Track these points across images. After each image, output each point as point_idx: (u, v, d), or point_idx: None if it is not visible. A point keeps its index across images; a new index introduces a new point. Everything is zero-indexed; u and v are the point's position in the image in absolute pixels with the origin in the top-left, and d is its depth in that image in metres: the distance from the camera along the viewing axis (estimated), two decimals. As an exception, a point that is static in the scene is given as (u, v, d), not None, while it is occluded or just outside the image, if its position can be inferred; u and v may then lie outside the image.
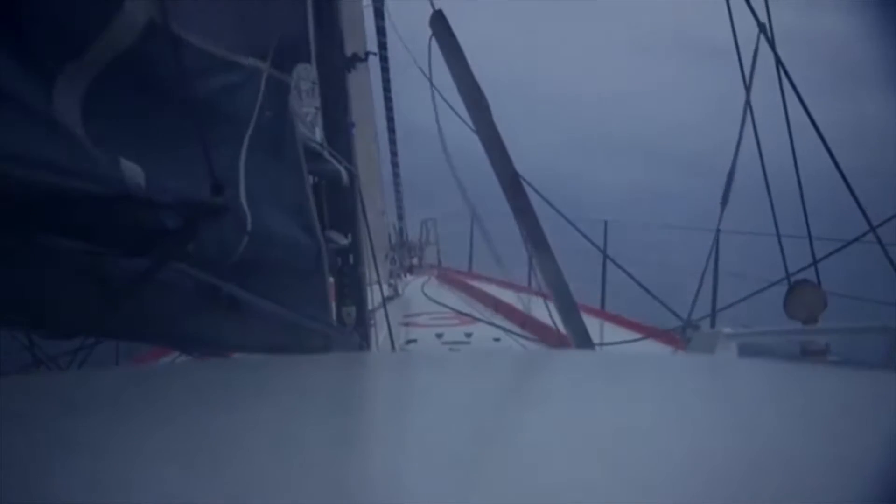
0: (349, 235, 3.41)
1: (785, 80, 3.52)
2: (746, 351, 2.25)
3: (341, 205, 3.36)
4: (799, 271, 3.67)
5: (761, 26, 3.49)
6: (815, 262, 3.60)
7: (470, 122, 3.35)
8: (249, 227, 1.80)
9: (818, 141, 3.45)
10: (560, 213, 4.25)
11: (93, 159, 1.21)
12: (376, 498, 0.48)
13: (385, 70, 8.52)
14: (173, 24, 1.48)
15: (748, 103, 3.68)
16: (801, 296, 3.17)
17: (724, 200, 3.91)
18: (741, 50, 3.72)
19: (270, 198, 2.15)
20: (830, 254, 3.73)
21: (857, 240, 3.55)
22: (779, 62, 3.49)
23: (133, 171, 1.27)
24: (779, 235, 3.82)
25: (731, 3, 3.62)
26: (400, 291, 9.29)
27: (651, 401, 0.83)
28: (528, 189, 3.33)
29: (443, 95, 4.42)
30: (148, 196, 1.25)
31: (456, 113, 3.92)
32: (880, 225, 3.27)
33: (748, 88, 3.67)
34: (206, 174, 1.47)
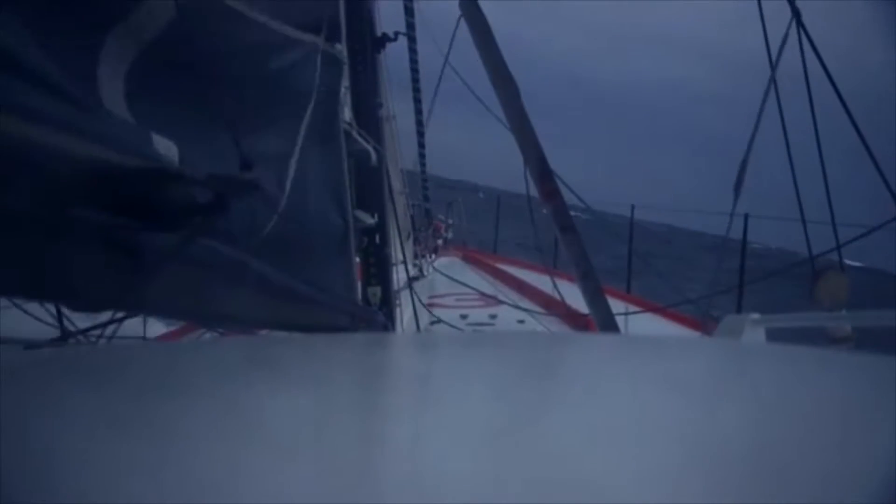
0: (375, 215, 3.41)
1: (810, 54, 3.47)
2: (773, 336, 2.24)
3: (368, 184, 3.36)
4: (822, 254, 3.64)
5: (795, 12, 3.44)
6: (839, 247, 3.57)
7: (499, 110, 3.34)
8: (283, 204, 1.80)
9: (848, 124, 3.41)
10: (581, 200, 4.22)
11: (127, 133, 1.22)
12: (402, 477, 0.48)
13: (413, 51, 8.50)
14: None
15: (773, 80, 3.63)
16: (827, 283, 3.15)
17: (738, 186, 3.86)
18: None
19: (313, 175, 2.15)
20: (854, 239, 3.69)
21: (883, 225, 3.51)
22: (803, 33, 3.44)
23: (166, 148, 1.28)
24: (804, 220, 3.79)
25: None
26: (425, 272, 9.31)
27: (679, 384, 0.83)
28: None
29: (466, 82, 4.41)
30: (179, 171, 1.25)
31: (481, 101, 3.91)
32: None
33: (773, 67, 3.62)
34: (245, 150, 1.47)
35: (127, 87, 1.31)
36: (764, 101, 3.58)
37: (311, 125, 2.08)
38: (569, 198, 3.61)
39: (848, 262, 3.70)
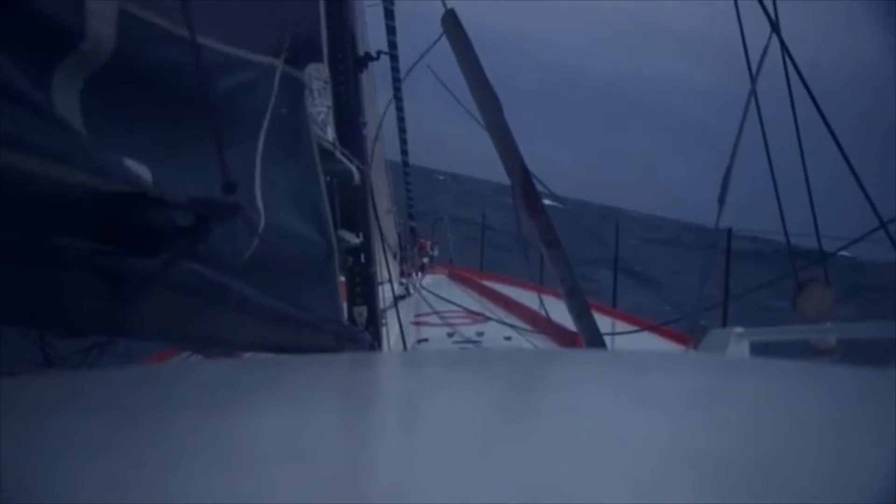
0: (360, 235, 3.42)
1: (791, 71, 3.49)
2: (758, 350, 2.25)
3: (352, 204, 3.37)
4: (806, 266, 3.65)
5: (773, 24, 3.47)
6: (823, 258, 3.59)
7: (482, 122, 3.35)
8: (262, 226, 1.80)
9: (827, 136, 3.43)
10: (551, 192, 4.22)
11: (101, 159, 1.22)
12: (388, 497, 0.48)
13: (395, 70, 8.52)
14: (172, 22, 1.48)
15: (753, 92, 3.65)
16: (810, 295, 3.16)
17: (722, 199, 3.88)
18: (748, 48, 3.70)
19: (284, 197, 2.15)
20: (839, 250, 3.71)
21: (866, 236, 3.53)
22: (785, 50, 3.47)
23: (139, 172, 1.27)
24: (786, 233, 3.81)
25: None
26: (411, 290, 9.31)
27: (665, 399, 0.83)
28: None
29: (454, 95, 4.43)
30: (160, 194, 1.25)
31: (468, 112, 3.92)
32: (891, 221, 3.25)
33: (754, 80, 3.65)
34: (216, 173, 1.47)
35: (84, 117, 1.31)
36: (744, 115, 3.60)
37: (274, 146, 2.09)
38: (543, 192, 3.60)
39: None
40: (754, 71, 3.59)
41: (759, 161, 3.78)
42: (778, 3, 3.45)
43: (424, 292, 9.40)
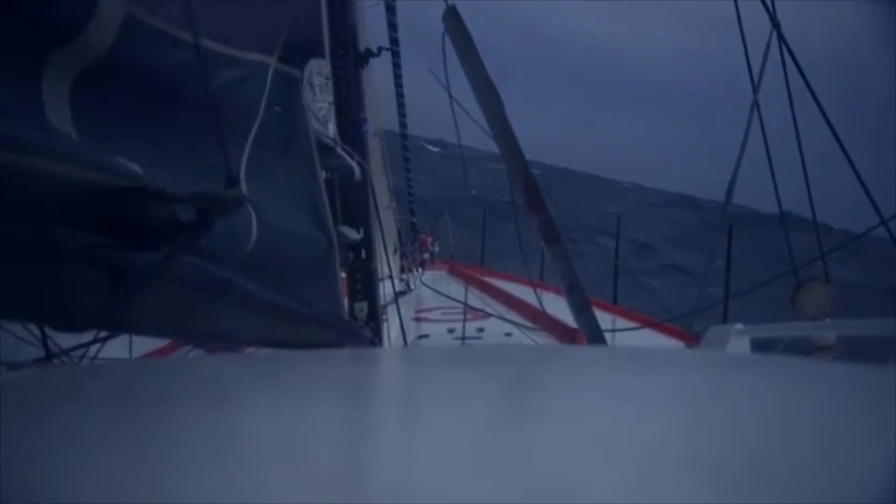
0: (361, 230, 3.41)
1: (790, 64, 3.49)
2: (759, 346, 2.25)
3: (353, 200, 3.37)
4: (805, 265, 3.65)
5: (774, 24, 3.46)
6: (822, 255, 3.58)
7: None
8: (254, 222, 1.80)
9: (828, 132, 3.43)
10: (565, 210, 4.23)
11: (99, 154, 1.21)
12: (389, 493, 0.48)
13: (397, 66, 8.51)
14: (161, 20, 1.48)
15: (755, 104, 3.65)
16: (809, 292, 3.16)
17: (728, 199, 3.88)
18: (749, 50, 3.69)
19: (281, 193, 2.15)
20: (837, 247, 3.70)
21: (866, 233, 3.53)
22: (783, 44, 3.46)
23: (126, 167, 1.28)
24: (786, 230, 3.80)
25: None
26: (411, 286, 9.30)
27: (665, 396, 0.83)
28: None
29: (450, 92, 4.42)
30: (162, 189, 1.25)
31: (467, 112, 3.92)
32: (892, 218, 3.25)
33: (756, 89, 3.65)
34: (209, 169, 1.47)
35: (73, 115, 1.31)
36: (750, 118, 3.60)
37: (268, 143, 2.09)
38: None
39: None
40: (755, 74, 3.59)
41: (759, 160, 3.78)
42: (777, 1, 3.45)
43: (425, 288, 9.39)
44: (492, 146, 3.37)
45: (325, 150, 2.71)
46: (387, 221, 7.38)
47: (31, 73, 1.25)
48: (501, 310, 7.64)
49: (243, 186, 1.87)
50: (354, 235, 3.30)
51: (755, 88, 3.59)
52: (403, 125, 9.92)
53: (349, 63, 3.59)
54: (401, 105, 9.37)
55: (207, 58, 1.76)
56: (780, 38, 3.45)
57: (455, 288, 9.51)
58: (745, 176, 3.58)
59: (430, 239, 12.96)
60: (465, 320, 6.82)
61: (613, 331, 4.45)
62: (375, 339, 3.50)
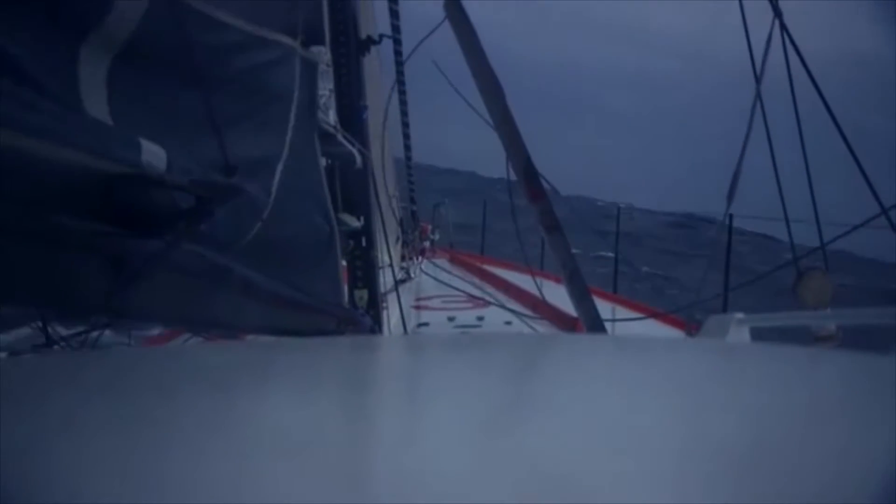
0: (361, 218, 3.41)
1: (793, 55, 3.47)
2: (758, 335, 2.25)
3: (354, 188, 3.37)
4: (806, 255, 3.64)
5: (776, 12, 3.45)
6: (823, 246, 3.58)
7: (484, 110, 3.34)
8: (268, 209, 1.80)
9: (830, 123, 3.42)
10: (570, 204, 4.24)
11: (110, 139, 1.21)
12: (391, 480, 0.48)
13: (398, 53, 8.48)
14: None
15: (758, 95, 3.64)
16: (810, 283, 3.16)
17: (731, 195, 3.88)
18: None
19: (293, 180, 2.15)
20: (838, 237, 3.69)
21: (867, 222, 3.52)
22: (786, 36, 3.45)
23: (155, 153, 1.27)
24: (787, 220, 3.80)
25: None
26: (412, 274, 9.30)
27: (665, 384, 0.83)
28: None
29: (451, 81, 4.42)
30: (161, 176, 1.25)
31: (467, 102, 3.91)
32: (893, 207, 3.24)
33: (758, 80, 3.63)
34: (232, 154, 1.47)
35: (109, 93, 1.31)
36: (753, 111, 3.59)
37: (297, 129, 2.08)
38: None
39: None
40: (758, 67, 3.58)
41: (760, 150, 3.77)
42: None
43: (425, 276, 9.39)
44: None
45: (325, 137, 2.70)
46: (388, 210, 7.37)
47: (67, 56, 1.24)
48: (501, 298, 7.64)
49: (278, 172, 1.86)
50: (355, 223, 3.30)
51: (758, 80, 3.58)
52: (404, 112, 9.89)
53: (350, 50, 3.59)
54: (402, 93, 9.34)
55: (236, 38, 1.76)
56: (783, 27, 3.44)
57: (455, 276, 9.51)
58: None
59: (430, 227, 12.94)
60: (464, 308, 6.83)
61: (613, 320, 4.45)
62: (375, 327, 3.50)
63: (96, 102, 1.28)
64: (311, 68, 2.36)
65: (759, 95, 3.57)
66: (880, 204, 3.26)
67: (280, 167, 1.92)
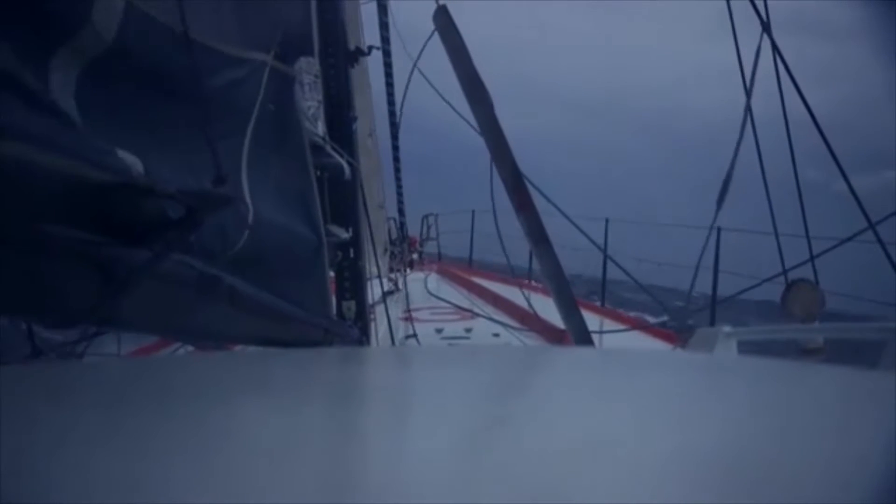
0: (350, 229, 3.41)
1: (783, 72, 3.50)
2: (745, 349, 2.26)
3: (342, 198, 3.36)
4: (795, 267, 3.67)
5: (764, 25, 3.47)
6: (812, 259, 3.60)
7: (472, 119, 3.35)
8: (251, 219, 1.80)
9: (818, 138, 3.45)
10: (561, 212, 4.25)
11: (94, 148, 1.21)
12: (376, 493, 0.48)
13: (388, 65, 8.51)
14: (169, 18, 1.48)
15: (748, 109, 3.66)
16: (799, 294, 3.18)
17: (720, 201, 3.90)
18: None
19: (274, 191, 2.15)
20: (827, 251, 3.72)
21: (854, 237, 3.55)
22: (776, 51, 3.48)
23: (132, 163, 1.27)
24: (776, 233, 3.82)
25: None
26: (400, 286, 9.30)
27: (651, 397, 0.83)
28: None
29: (438, 91, 4.44)
30: (151, 185, 1.25)
31: (456, 111, 3.92)
32: (879, 222, 3.27)
33: (749, 93, 3.66)
34: (207, 165, 1.47)
35: (78, 105, 1.31)
36: (743, 125, 3.61)
37: (263, 140, 2.09)
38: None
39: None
40: (748, 78, 3.60)
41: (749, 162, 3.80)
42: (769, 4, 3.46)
43: (413, 288, 9.39)
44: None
45: (314, 148, 2.70)
46: (376, 221, 7.37)
47: (38, 66, 1.24)
48: (489, 310, 7.65)
49: (244, 183, 1.87)
50: (343, 234, 3.29)
51: (748, 94, 3.61)
52: (394, 124, 9.91)
53: (339, 61, 3.59)
54: (391, 104, 9.36)
55: (208, 55, 1.76)
56: (770, 36, 3.46)
57: (444, 288, 9.52)
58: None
59: (419, 239, 12.95)
60: (452, 321, 6.83)
61: (601, 332, 4.46)
62: (363, 339, 3.50)
63: (67, 110, 1.28)
64: (284, 80, 2.37)
65: (748, 109, 3.59)
66: (867, 218, 3.29)
67: (244, 178, 1.92)
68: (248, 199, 1.87)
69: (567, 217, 4.41)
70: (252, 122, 2.06)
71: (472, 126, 3.43)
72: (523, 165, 3.22)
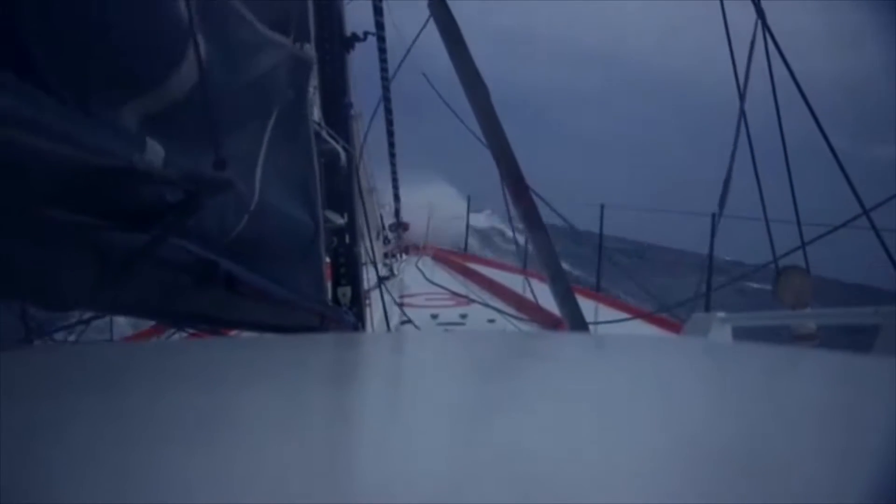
0: (345, 215, 3.41)
1: (775, 55, 3.50)
2: (740, 334, 2.26)
3: (337, 185, 3.36)
4: (786, 254, 3.67)
5: (760, 12, 3.47)
6: (803, 246, 3.61)
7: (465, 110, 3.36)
8: (254, 204, 1.79)
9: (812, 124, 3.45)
10: (553, 209, 4.25)
11: (103, 132, 1.20)
12: (370, 477, 0.48)
13: (382, 51, 8.47)
14: None
15: (742, 111, 3.67)
16: (790, 281, 3.18)
17: (722, 201, 3.92)
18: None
19: (281, 175, 2.15)
20: (819, 237, 3.72)
21: (848, 223, 3.55)
22: (766, 31, 3.47)
23: (156, 151, 1.26)
24: (766, 220, 3.83)
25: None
26: (395, 272, 9.30)
27: (646, 382, 0.83)
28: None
29: (434, 86, 4.44)
30: (149, 169, 1.24)
31: (449, 107, 3.92)
32: (874, 208, 3.27)
33: (742, 96, 3.67)
34: (212, 149, 1.46)
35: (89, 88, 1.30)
36: (738, 124, 3.62)
37: (280, 126, 2.08)
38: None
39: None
40: (741, 72, 3.61)
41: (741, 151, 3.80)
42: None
43: (408, 273, 9.39)
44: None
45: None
46: (370, 206, 7.36)
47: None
48: (485, 296, 7.66)
49: (259, 168, 1.86)
50: (339, 220, 3.29)
51: (741, 95, 3.61)
52: (388, 110, 9.89)
53: (335, 47, 3.58)
54: (385, 90, 9.33)
55: (249, 37, 1.75)
56: (765, 28, 3.46)
57: (439, 274, 9.51)
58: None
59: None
60: (447, 306, 6.83)
61: (597, 323, 4.46)
62: (358, 324, 3.50)
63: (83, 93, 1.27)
64: (302, 66, 2.37)
65: (742, 98, 3.59)
66: (861, 205, 3.29)
67: (260, 163, 1.92)
68: (256, 185, 1.86)
69: (550, 206, 4.41)
70: (278, 106, 2.06)
71: (470, 130, 3.43)
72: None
